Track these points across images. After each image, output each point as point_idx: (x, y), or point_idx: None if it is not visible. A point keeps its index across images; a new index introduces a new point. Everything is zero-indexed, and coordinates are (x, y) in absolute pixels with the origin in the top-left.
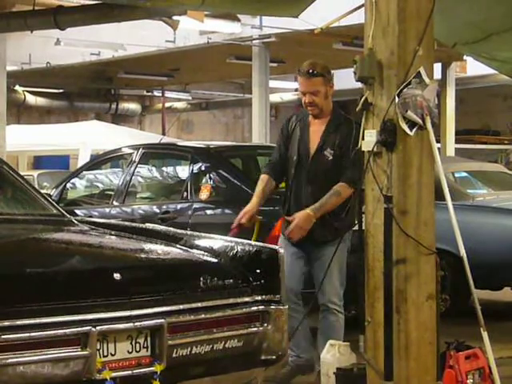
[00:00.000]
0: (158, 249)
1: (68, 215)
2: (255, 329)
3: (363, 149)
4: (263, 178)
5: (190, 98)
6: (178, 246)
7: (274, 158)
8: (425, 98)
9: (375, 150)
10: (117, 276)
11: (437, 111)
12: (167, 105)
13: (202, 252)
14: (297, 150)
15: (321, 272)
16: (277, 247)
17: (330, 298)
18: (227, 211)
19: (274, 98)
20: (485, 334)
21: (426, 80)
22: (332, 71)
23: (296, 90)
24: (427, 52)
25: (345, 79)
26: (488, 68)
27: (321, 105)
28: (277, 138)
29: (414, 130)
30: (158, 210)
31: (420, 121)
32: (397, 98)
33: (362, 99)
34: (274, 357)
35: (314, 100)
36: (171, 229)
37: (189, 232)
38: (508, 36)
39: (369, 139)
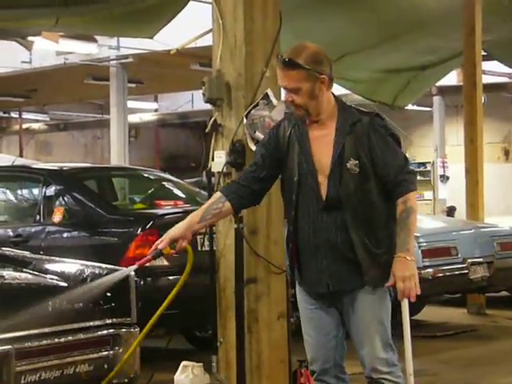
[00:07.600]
0: (6, 273)
1: None
2: (106, 352)
3: (213, 170)
4: (214, 195)
5: (48, 119)
6: (26, 270)
7: (243, 176)
8: (273, 119)
9: (225, 170)
10: None
11: None
12: (25, 126)
13: (52, 276)
14: (297, 168)
15: (358, 331)
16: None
17: (373, 365)
18: (81, 234)
19: (133, 118)
20: None
21: (274, 101)
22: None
23: (156, 110)
24: (275, 73)
25: (202, 100)
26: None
27: (306, 106)
28: (255, 153)
29: None
30: (10, 233)
31: None
32: (245, 119)
33: (211, 120)
34: (125, 380)
35: (294, 100)
36: (21, 253)
37: (38, 256)
38: (360, 57)
39: (218, 160)
